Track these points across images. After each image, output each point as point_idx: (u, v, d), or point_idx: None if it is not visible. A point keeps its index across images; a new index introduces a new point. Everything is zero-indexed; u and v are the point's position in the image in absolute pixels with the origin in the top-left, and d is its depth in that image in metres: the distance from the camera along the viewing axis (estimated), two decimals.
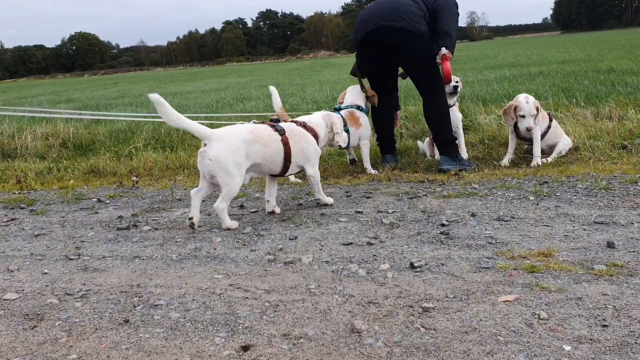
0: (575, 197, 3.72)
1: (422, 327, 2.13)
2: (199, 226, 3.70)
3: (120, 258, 3.21)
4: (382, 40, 4.78)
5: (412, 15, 4.69)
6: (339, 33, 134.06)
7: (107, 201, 4.72)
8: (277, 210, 3.96)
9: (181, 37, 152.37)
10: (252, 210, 4.07)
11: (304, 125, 3.93)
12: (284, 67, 40.98)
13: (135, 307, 2.51)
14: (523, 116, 4.82)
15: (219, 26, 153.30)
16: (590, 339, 1.95)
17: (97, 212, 4.35)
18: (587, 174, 4.30)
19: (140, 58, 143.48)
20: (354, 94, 5.14)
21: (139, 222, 3.96)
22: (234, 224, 3.63)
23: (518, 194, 3.92)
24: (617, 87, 8.11)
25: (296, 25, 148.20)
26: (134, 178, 5.54)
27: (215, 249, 3.24)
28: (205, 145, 3.52)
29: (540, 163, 4.83)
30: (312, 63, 48.60)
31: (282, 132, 3.76)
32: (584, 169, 4.46)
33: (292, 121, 3.98)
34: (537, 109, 4.85)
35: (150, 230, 3.75)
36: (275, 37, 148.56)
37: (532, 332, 2.03)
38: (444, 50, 4.65)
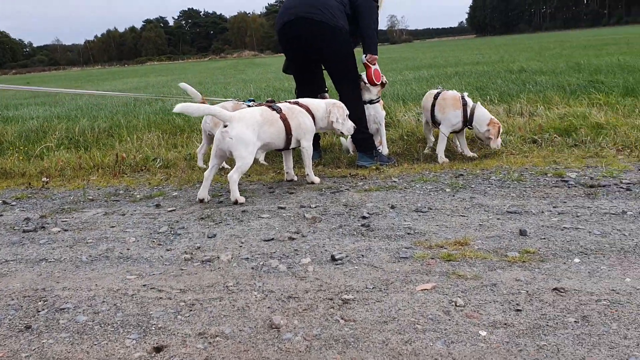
0: (489, 189, 3.83)
1: (342, 319, 2.11)
2: (112, 226, 3.53)
3: (25, 261, 3.00)
4: (299, 32, 4.74)
5: (331, 8, 4.66)
6: (263, 33, 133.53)
7: (14, 203, 4.42)
8: (295, 178, 4.48)
9: (99, 35, 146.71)
10: (169, 209, 3.92)
11: (297, 103, 4.33)
12: (207, 66, 40.29)
13: (39, 311, 2.34)
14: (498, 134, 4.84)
15: (139, 24, 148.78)
16: (505, 324, 1.99)
17: (1, 215, 4.06)
18: (500, 167, 4.45)
19: (56, 57, 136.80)
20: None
21: (48, 223, 3.73)
22: (241, 198, 3.94)
23: (435, 186, 4.00)
24: (528, 85, 8.52)
25: (219, 25, 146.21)
26: (44, 179, 5.22)
27: (128, 249, 3.09)
28: (225, 126, 3.90)
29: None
30: (236, 62, 48.07)
31: (279, 110, 4.15)
32: (497, 162, 4.62)
33: (285, 102, 4.40)
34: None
35: (59, 231, 3.53)
36: (198, 36, 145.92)
37: (450, 319, 2.05)
38: (363, 58, 4.79)
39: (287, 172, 4.49)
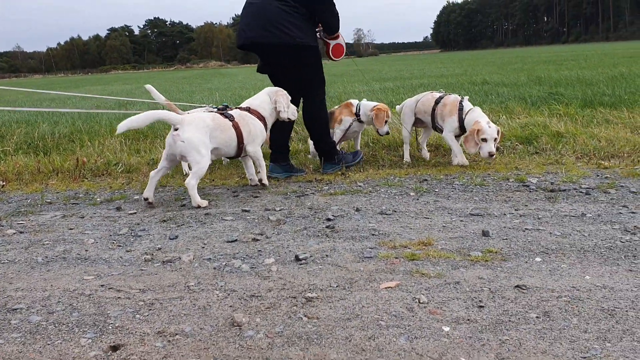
0: (452, 193, 3.87)
1: (305, 316, 2.08)
2: (70, 228, 3.42)
3: None
4: (258, 53, 4.63)
5: (284, 24, 4.33)
6: (230, 44, 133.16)
7: None
8: (263, 182, 4.36)
9: (62, 43, 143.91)
10: (130, 212, 3.83)
11: (248, 109, 4.25)
12: (173, 76, 39.90)
13: None
14: (485, 140, 4.48)
15: (103, 33, 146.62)
16: (468, 319, 2.00)
17: None
18: (464, 173, 4.50)
19: (17, 64, 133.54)
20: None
21: (2, 225, 3.60)
22: (204, 202, 3.87)
23: (400, 190, 4.01)
24: (490, 96, 8.72)
25: (185, 35, 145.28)
26: (0, 182, 5.05)
27: (86, 250, 3.00)
28: (176, 129, 3.84)
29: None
30: (203, 72, 47.75)
31: (231, 118, 4.09)
32: (461, 168, 4.67)
33: (236, 107, 4.31)
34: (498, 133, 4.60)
35: (14, 233, 3.41)
36: (164, 45, 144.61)
37: (413, 316, 2.04)
38: (320, 33, 4.67)
39: (250, 179, 4.43)
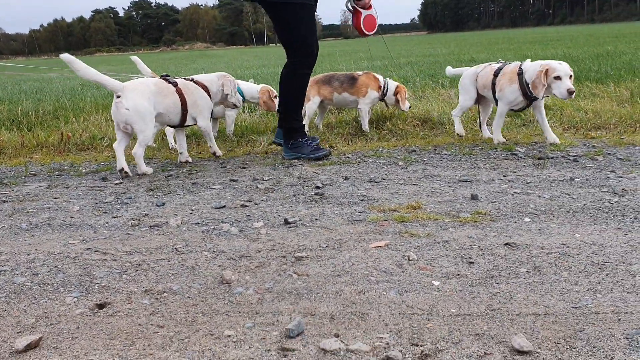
0: (441, 162, 3.86)
1: (295, 273, 2.06)
2: (55, 197, 3.37)
3: None
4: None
5: None
6: (216, 25, 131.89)
7: None
8: (190, 159, 4.31)
9: (45, 24, 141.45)
10: (116, 182, 3.78)
11: (192, 80, 4.19)
12: (158, 58, 39.44)
13: None
14: (559, 77, 3.87)
15: (87, 14, 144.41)
16: (458, 275, 1.99)
17: None
18: (452, 144, 4.49)
19: None
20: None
21: None
22: (149, 169, 3.92)
23: (388, 160, 4.00)
24: None
25: (171, 16, 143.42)
26: None
27: (72, 217, 2.95)
28: (119, 96, 3.73)
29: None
30: (188, 54, 47.28)
31: (175, 84, 4.02)
32: (449, 140, 4.66)
33: (180, 78, 4.21)
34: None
35: None
36: (149, 27, 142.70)
37: (403, 272, 2.03)
38: (349, 3, 4.16)
39: (180, 153, 4.31)
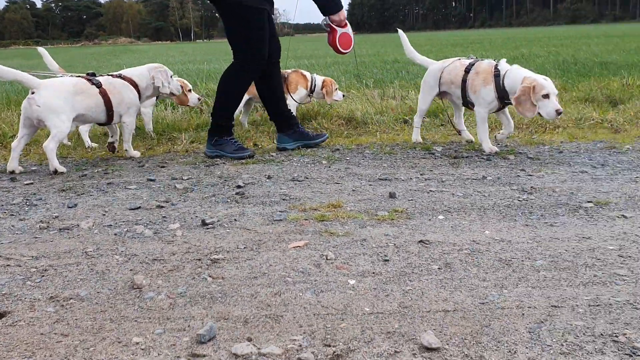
0: (363, 161, 3.91)
1: (210, 277, 2.02)
2: None
3: None
4: None
5: None
6: (141, 20, 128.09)
7: None
8: (116, 146, 4.27)
9: None
10: (26, 182, 3.57)
11: (120, 76, 4.07)
12: (80, 52, 37.81)
13: None
14: (547, 96, 3.59)
15: (1, 5, 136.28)
16: (373, 273, 2.01)
17: None
18: (374, 143, 4.56)
19: None
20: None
21: None
22: (62, 168, 3.78)
23: (312, 159, 4.00)
24: (401, 74, 8.90)
25: (93, 9, 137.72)
26: None
27: None
28: (33, 92, 3.67)
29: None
30: (112, 49, 45.57)
31: (99, 85, 3.91)
32: (372, 139, 4.73)
33: (108, 75, 4.12)
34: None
35: None
36: (70, 20, 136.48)
37: (320, 272, 2.04)
38: (324, 21, 4.08)
39: (111, 136, 4.29)
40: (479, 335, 1.56)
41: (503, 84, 3.79)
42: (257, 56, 4.08)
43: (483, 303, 1.76)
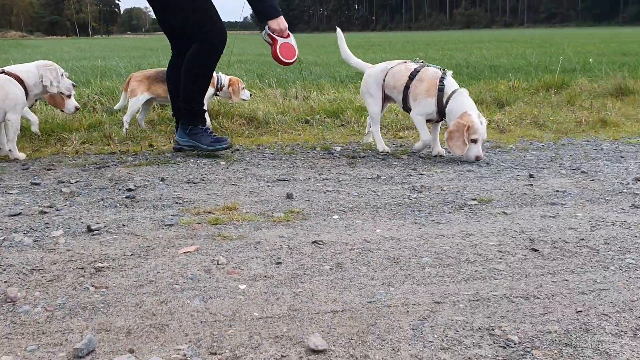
0: (262, 161, 3.88)
1: (93, 286, 1.91)
2: None
3: None
4: None
5: None
6: (33, 13, 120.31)
7: None
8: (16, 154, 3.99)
9: None
10: None
11: (3, 72, 3.82)
12: None
13: None
14: (475, 141, 3.67)
15: None
16: (265, 276, 1.99)
17: None
18: (275, 143, 4.55)
19: None
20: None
21: None
22: None
23: (210, 160, 3.92)
24: (303, 74, 8.97)
25: None
26: None
27: None
28: None
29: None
30: (0, 43, 42.45)
31: None
32: (273, 139, 4.72)
33: None
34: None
35: None
36: None
37: (210, 277, 1.99)
38: (264, 32, 3.94)
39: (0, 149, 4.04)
40: (365, 335, 1.59)
41: (446, 103, 3.76)
42: (222, 29, 3.98)
43: (370, 302, 1.79)
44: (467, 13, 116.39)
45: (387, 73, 4.05)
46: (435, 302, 1.79)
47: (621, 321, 1.67)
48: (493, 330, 1.61)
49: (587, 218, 2.61)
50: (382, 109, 4.24)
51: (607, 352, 1.50)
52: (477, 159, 3.70)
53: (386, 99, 4.17)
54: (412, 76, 3.89)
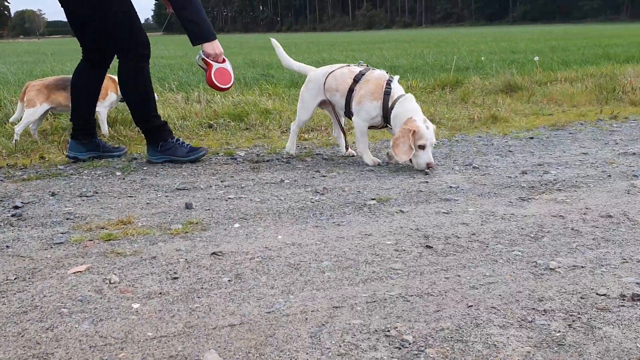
0: (161, 170, 3.76)
1: None
2: None
3: None
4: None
5: None
6: None
7: None
8: None
9: None
10: None
11: None
12: None
13: None
14: (423, 147, 3.51)
15: None
16: (160, 293, 1.92)
17: None
18: None
19: None
20: None
21: None
22: None
23: (105, 171, 3.75)
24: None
25: None
26: None
27: None
28: None
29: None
30: None
31: None
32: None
33: None
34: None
35: None
36: None
37: (101, 298, 1.89)
38: (198, 57, 3.80)
39: None
40: (263, 347, 1.57)
41: (391, 108, 3.62)
42: (143, 42, 3.83)
43: (269, 312, 1.77)
44: (369, 14, 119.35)
45: (327, 76, 3.89)
46: (333, 307, 1.79)
47: (508, 313, 1.75)
48: (389, 331, 1.64)
49: (478, 212, 2.73)
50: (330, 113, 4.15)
51: (495, 345, 1.57)
52: (429, 166, 3.50)
53: (323, 104, 4.02)
54: (357, 79, 3.75)
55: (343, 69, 3.88)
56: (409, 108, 3.57)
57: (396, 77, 3.74)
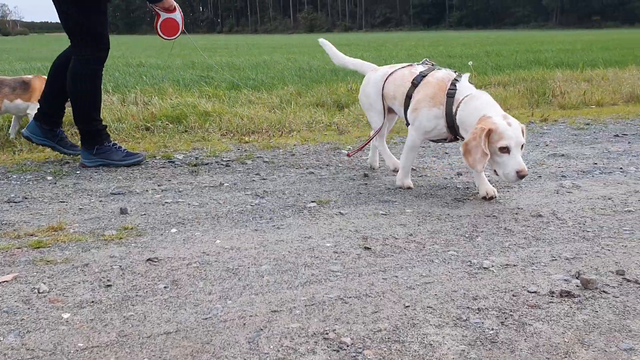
0: (95, 174, 3.64)
1: None
2: None
3: None
4: None
5: None
6: None
7: None
8: None
9: None
10: None
11: None
12: None
13: None
14: (506, 149, 2.69)
15: None
16: (92, 302, 1.86)
17: None
18: None
19: None
20: None
21: None
22: None
23: (36, 175, 3.60)
24: (144, 78, 8.60)
25: None
26: None
27: None
28: None
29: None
30: None
31: None
32: None
33: None
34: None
35: None
36: None
37: (29, 309, 1.81)
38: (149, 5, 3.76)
39: None
40: (200, 354, 1.54)
41: (455, 113, 2.89)
42: (104, 46, 3.76)
43: (206, 318, 1.74)
44: (310, 17, 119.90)
45: (386, 80, 3.31)
46: (272, 311, 1.78)
47: (444, 312, 1.79)
48: (327, 334, 1.65)
49: (415, 213, 2.79)
50: (390, 122, 3.58)
51: (431, 344, 1.60)
52: (520, 174, 2.68)
53: (390, 111, 3.43)
54: (415, 82, 3.07)
55: (404, 69, 3.24)
56: (478, 106, 2.81)
57: (465, 75, 3.00)
